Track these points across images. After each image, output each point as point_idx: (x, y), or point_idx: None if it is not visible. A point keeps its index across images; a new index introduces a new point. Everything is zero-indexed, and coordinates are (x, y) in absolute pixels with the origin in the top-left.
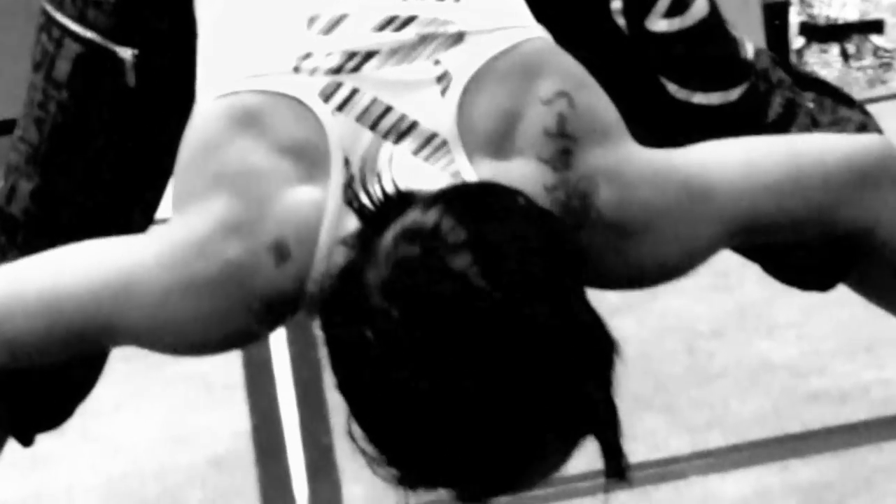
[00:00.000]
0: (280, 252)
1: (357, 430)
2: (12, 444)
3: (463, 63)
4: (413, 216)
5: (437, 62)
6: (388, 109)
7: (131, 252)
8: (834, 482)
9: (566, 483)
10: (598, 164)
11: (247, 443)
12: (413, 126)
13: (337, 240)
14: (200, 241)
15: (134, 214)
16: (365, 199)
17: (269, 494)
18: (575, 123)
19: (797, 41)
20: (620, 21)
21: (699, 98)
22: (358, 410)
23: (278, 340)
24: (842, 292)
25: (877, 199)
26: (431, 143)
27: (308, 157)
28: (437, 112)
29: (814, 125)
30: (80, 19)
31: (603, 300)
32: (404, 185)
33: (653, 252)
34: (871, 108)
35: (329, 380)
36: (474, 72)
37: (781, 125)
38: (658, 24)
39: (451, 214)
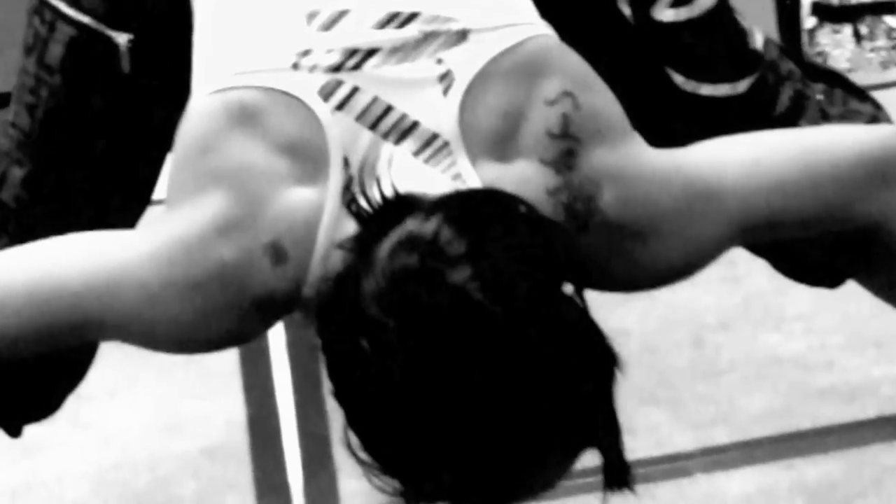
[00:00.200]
0: (276, 253)
1: (354, 439)
2: (0, 434)
3: (466, 62)
4: (412, 224)
5: (439, 61)
6: (388, 109)
7: (122, 247)
8: (841, 482)
9: (567, 479)
10: (602, 165)
11: (242, 432)
12: (414, 126)
13: (335, 243)
14: (194, 239)
15: (127, 203)
16: (364, 203)
17: (264, 486)
18: (579, 124)
19: (809, 21)
20: (626, 10)
21: (706, 90)
22: (354, 419)
23: (276, 327)
24: (851, 285)
25: (890, 194)
26: (433, 145)
27: (306, 157)
28: (438, 112)
29: (824, 118)
30: (74, 2)
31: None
32: (404, 188)
33: (659, 254)
34: (884, 91)
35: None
36: (477, 71)
37: (790, 118)
38: (665, 13)
39: (450, 224)
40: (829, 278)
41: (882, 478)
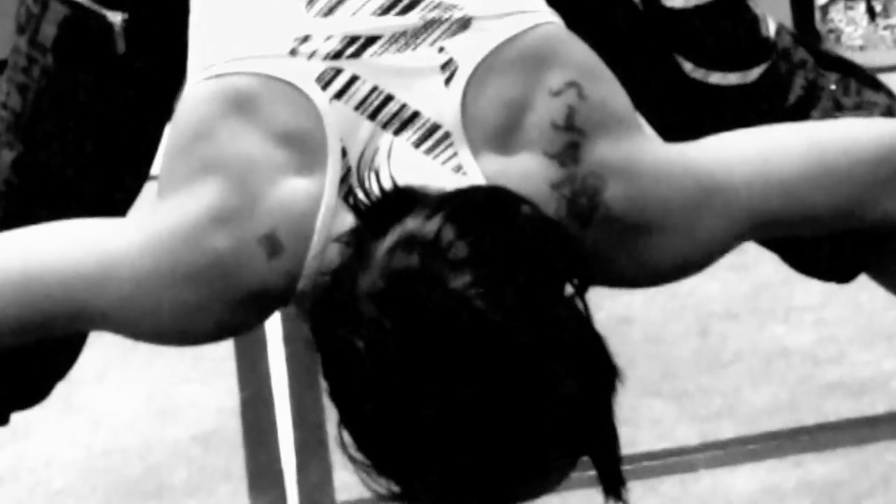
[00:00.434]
0: (271, 246)
1: (347, 438)
2: None
3: (469, 50)
4: (412, 223)
5: (441, 49)
6: (388, 98)
7: (113, 236)
8: (849, 480)
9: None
10: (607, 158)
11: (235, 419)
12: (415, 116)
13: (332, 236)
14: (187, 229)
15: (119, 188)
16: (362, 196)
17: (257, 475)
18: (584, 116)
19: None
20: None
21: (716, 78)
22: (348, 419)
23: None
24: (862, 276)
25: None
26: (434, 136)
27: (304, 147)
28: (440, 102)
29: (837, 108)
30: None
31: None
32: (404, 181)
33: (664, 250)
34: None
35: None
36: (480, 60)
37: (802, 108)
38: None
39: (452, 225)
40: (839, 273)
41: (891, 476)
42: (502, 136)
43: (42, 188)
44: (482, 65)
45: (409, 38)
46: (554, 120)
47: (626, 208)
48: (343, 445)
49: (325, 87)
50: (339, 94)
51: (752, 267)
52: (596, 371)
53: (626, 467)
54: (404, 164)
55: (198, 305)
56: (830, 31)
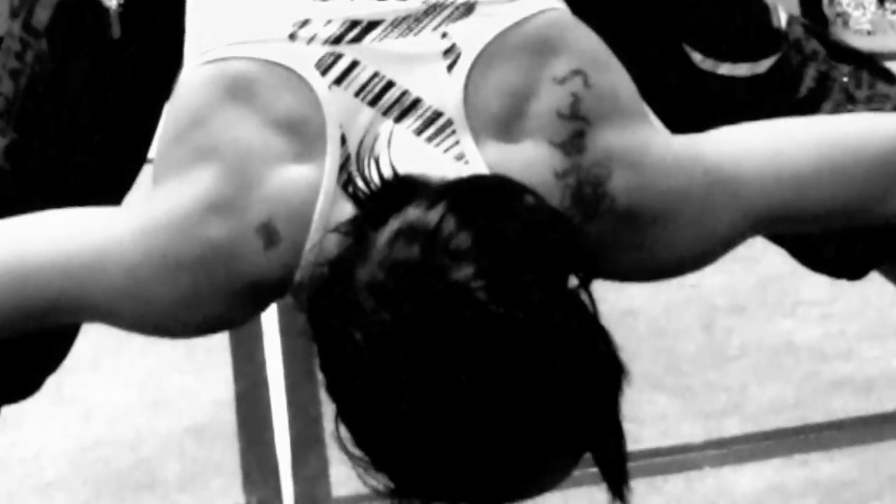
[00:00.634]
0: (268, 235)
1: (345, 433)
2: None
3: (472, 36)
4: (413, 213)
5: (444, 35)
6: (389, 84)
7: (107, 225)
8: (857, 479)
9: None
10: (613, 148)
11: (230, 412)
12: (416, 103)
13: (330, 225)
14: (182, 217)
15: (114, 173)
16: (361, 184)
17: (251, 469)
18: (590, 104)
19: None
20: None
21: (725, 69)
22: (345, 414)
23: None
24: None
25: None
26: (435, 123)
27: (302, 134)
28: (442, 89)
29: (849, 101)
30: None
31: None
32: (404, 169)
33: (670, 243)
34: None
35: None
36: (484, 46)
37: (814, 100)
38: None
39: (454, 216)
40: (849, 269)
41: None
42: (506, 124)
43: (36, 175)
44: (486, 51)
45: (411, 23)
46: (559, 108)
47: (632, 199)
48: (340, 440)
49: (324, 72)
50: (339, 80)
51: (759, 259)
52: (601, 366)
53: (629, 464)
54: (405, 152)
55: (192, 296)
56: (838, 15)
